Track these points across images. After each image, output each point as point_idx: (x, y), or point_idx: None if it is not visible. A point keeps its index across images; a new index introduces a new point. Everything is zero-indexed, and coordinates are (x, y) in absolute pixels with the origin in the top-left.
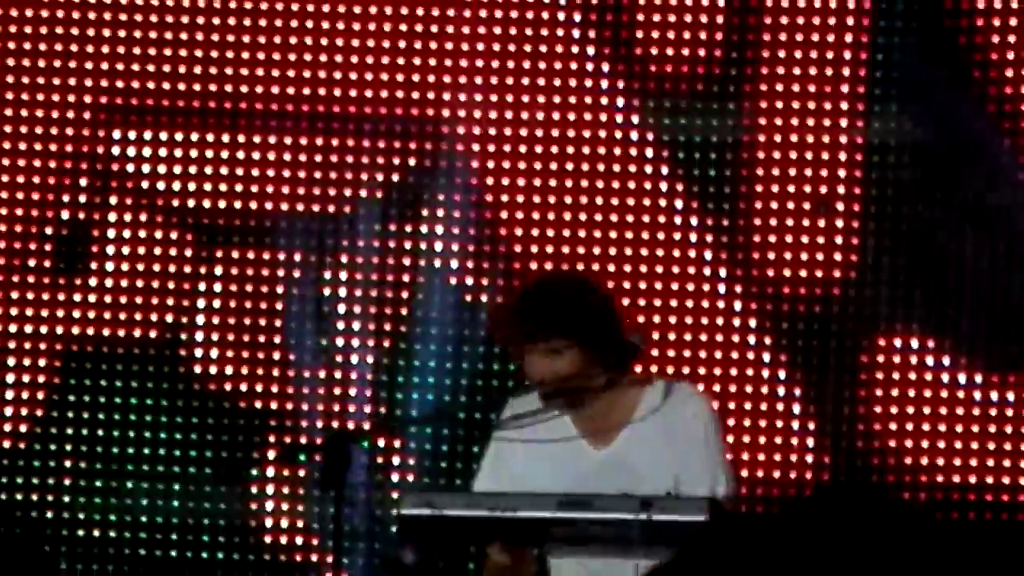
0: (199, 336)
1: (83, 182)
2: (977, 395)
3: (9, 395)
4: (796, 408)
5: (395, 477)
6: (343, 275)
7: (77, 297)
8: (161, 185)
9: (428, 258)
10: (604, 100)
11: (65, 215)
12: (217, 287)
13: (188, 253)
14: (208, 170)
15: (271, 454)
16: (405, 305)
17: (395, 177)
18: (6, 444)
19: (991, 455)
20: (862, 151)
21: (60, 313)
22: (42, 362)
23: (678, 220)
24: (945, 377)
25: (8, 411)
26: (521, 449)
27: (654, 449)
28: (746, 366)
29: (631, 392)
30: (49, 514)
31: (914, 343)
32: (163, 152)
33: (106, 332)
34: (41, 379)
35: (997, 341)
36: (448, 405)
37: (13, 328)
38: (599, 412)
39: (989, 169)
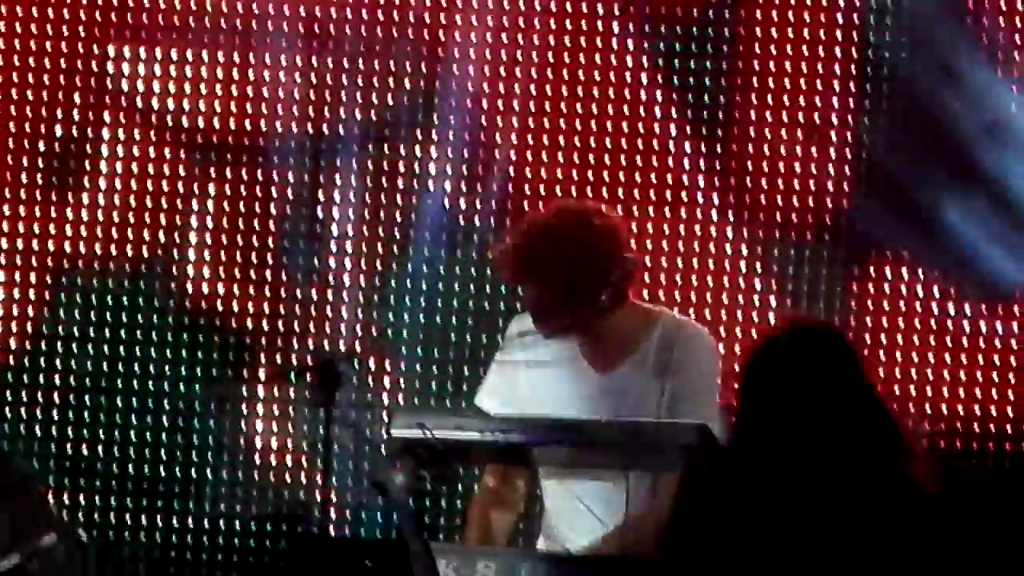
0: (191, 255)
1: (77, 98)
2: (967, 324)
3: None
4: None
5: (386, 398)
6: (336, 195)
7: (69, 213)
8: (155, 102)
9: (421, 179)
10: (601, 26)
11: (58, 131)
12: (210, 205)
13: (181, 171)
14: (203, 88)
15: (262, 374)
16: (398, 226)
17: (390, 98)
18: None
19: (981, 384)
20: (856, 80)
21: (52, 229)
22: (33, 278)
23: (671, 146)
24: (935, 306)
25: None
26: (524, 370)
27: (653, 382)
28: (736, 292)
29: (635, 321)
30: (38, 431)
31: (904, 272)
32: (158, 69)
33: (98, 249)
34: (32, 295)
35: (987, 270)
36: (439, 327)
37: (4, 243)
38: (600, 338)
39: (978, 93)
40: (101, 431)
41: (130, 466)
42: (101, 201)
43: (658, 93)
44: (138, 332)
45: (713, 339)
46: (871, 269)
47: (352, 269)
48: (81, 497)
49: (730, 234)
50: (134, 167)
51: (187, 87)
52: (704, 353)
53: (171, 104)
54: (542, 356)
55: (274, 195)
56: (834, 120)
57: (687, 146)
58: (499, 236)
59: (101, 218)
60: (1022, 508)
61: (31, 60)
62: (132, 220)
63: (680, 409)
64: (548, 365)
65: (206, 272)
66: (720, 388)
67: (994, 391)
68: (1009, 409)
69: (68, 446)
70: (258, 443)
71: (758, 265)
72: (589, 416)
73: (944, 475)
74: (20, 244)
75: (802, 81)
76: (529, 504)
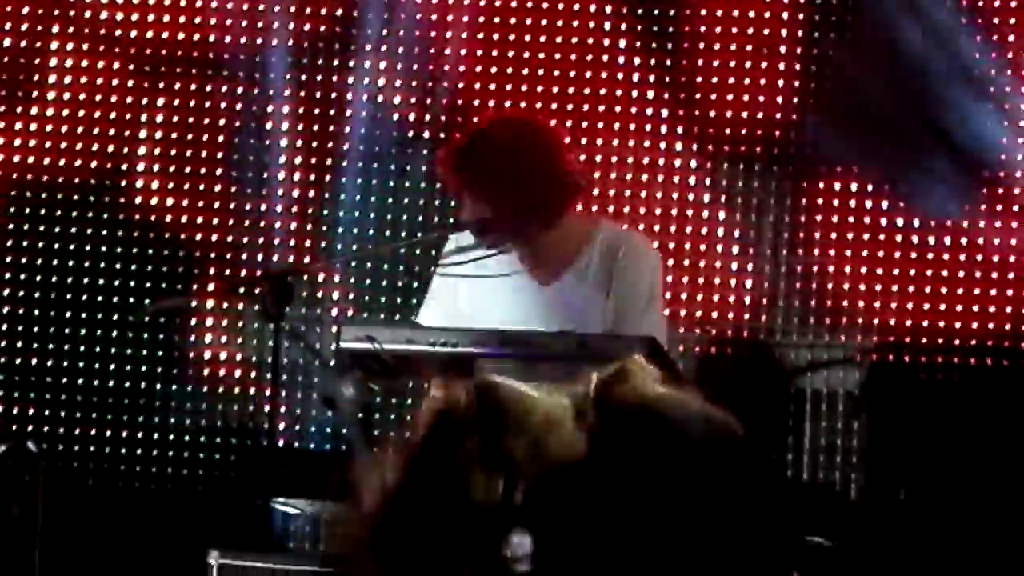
0: (140, 167)
1: (24, 10)
2: (915, 239)
3: None
4: (735, 249)
5: (335, 311)
6: (284, 108)
7: (17, 126)
8: (103, 14)
9: (370, 91)
10: None
11: (6, 43)
12: (159, 118)
13: (130, 83)
14: (151, 0)
15: (212, 286)
16: (347, 139)
17: (339, 10)
18: None
19: (926, 298)
20: None
21: (0, 142)
22: None
23: (621, 59)
24: (884, 220)
25: None
26: (464, 284)
27: (596, 293)
28: (686, 207)
29: (576, 232)
30: None
31: (853, 186)
32: None
33: (46, 162)
34: None
35: (935, 185)
36: (389, 240)
37: None
38: (542, 250)
39: (927, 17)
40: (50, 343)
41: (79, 378)
42: (49, 114)
43: (607, 7)
44: (87, 245)
45: (654, 247)
46: (820, 183)
47: (301, 182)
48: (30, 408)
49: (679, 147)
50: (82, 79)
51: None
52: (646, 262)
53: (119, 16)
54: (482, 269)
55: (223, 108)
56: (783, 33)
57: (636, 59)
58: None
59: (49, 131)
60: (960, 420)
61: None
62: (80, 133)
63: (624, 319)
64: (488, 278)
65: (155, 185)
66: (663, 297)
67: (942, 305)
68: (957, 324)
69: (18, 358)
70: (207, 356)
71: (707, 179)
72: (531, 328)
73: (892, 387)
74: None
75: None
76: None
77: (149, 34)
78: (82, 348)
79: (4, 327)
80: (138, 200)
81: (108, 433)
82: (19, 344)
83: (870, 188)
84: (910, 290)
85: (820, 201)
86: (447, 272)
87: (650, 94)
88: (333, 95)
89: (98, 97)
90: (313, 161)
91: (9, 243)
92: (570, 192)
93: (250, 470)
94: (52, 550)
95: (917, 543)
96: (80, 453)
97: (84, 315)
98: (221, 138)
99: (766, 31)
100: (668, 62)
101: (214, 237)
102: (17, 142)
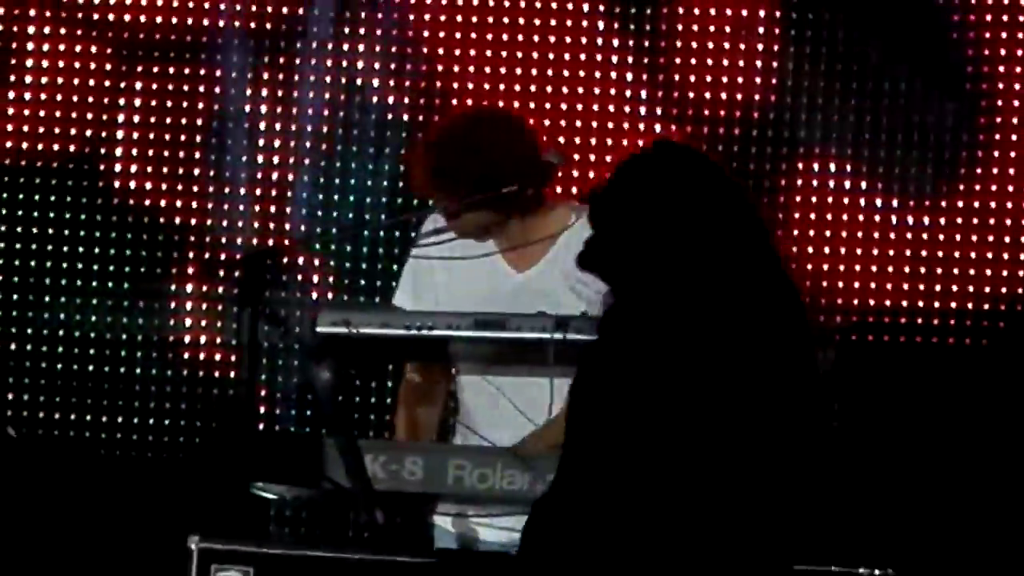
0: (120, 151)
1: None
2: (894, 219)
3: None
4: None
5: (314, 294)
6: (263, 90)
7: None
8: None
9: (349, 75)
10: None
11: None
12: (137, 102)
13: (108, 67)
14: None
15: (191, 270)
16: (326, 123)
17: None
18: None
19: (906, 278)
20: None
21: None
22: None
23: (599, 41)
24: (862, 201)
25: None
26: (440, 266)
27: (573, 278)
28: None
29: (553, 220)
30: None
31: (832, 167)
32: None
33: (25, 145)
34: None
35: (914, 165)
36: (368, 222)
37: None
38: (518, 236)
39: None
40: (28, 327)
41: (58, 362)
42: (27, 97)
43: None
44: (64, 229)
45: None
46: (798, 164)
47: (280, 165)
48: (8, 393)
49: (657, 128)
50: (60, 63)
51: None
52: None
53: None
54: (457, 253)
55: (201, 91)
56: (761, 13)
57: (615, 41)
58: (415, 144)
59: (27, 114)
60: (943, 398)
61: None
62: (58, 116)
63: (599, 302)
64: (463, 264)
65: (133, 168)
66: None
67: (921, 285)
68: (935, 303)
69: None
70: (187, 339)
71: None
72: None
73: (871, 369)
74: None
75: None
76: (455, 399)
77: (127, 17)
78: (60, 332)
79: None
80: (116, 184)
81: (87, 417)
82: None
83: (849, 169)
84: (889, 270)
85: (799, 182)
86: (422, 253)
87: (629, 75)
88: (312, 78)
89: (76, 80)
90: (292, 144)
91: None
92: (544, 181)
93: (229, 454)
94: (31, 534)
95: (889, 522)
96: (57, 438)
97: (62, 298)
98: (199, 121)
99: (744, 11)
100: (646, 43)
101: (193, 220)
102: None
